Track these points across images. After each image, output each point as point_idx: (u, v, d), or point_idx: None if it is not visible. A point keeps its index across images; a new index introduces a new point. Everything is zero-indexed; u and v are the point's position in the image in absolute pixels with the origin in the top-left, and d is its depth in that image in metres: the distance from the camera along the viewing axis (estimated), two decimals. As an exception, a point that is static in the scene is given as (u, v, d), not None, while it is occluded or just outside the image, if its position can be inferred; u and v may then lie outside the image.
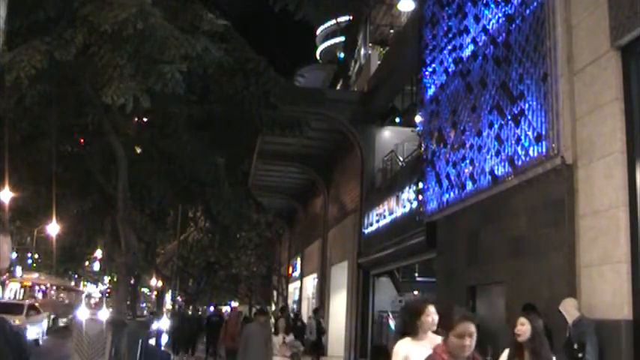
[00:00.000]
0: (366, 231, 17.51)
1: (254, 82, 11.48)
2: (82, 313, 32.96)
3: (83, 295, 44.74)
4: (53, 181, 12.36)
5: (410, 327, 4.31)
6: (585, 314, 6.45)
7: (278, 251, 37.33)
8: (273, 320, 13.34)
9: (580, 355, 6.10)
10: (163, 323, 23.36)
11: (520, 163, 8.12)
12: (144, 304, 64.58)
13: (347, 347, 18.66)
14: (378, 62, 20.48)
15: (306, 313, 27.14)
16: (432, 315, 4.31)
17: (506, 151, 8.51)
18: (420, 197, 12.08)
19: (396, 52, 17.37)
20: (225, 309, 41.07)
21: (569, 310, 6.44)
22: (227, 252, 28.02)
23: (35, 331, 21.23)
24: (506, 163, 8.47)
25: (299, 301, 29.48)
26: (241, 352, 10.14)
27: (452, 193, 10.40)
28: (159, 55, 8.21)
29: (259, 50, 11.85)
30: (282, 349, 9.52)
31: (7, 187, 14.52)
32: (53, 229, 25.98)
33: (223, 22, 9.52)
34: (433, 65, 11.72)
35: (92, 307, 43.21)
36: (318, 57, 56.60)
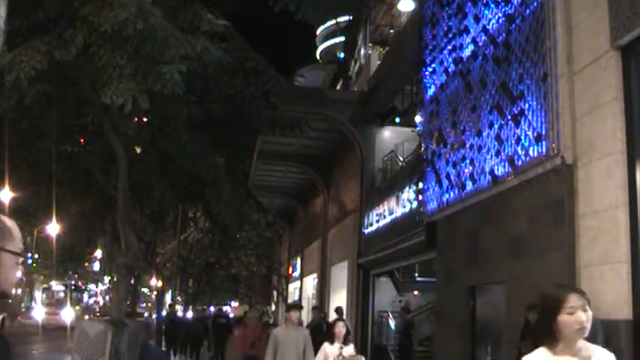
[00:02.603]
0: (366, 231, 17.51)
1: (254, 81, 11.49)
2: (38, 312, 29.46)
3: (41, 289, 38.67)
4: (53, 181, 12.36)
5: (543, 330, 2.64)
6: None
7: (278, 251, 37.33)
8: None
9: None
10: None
11: (520, 163, 8.12)
12: (144, 304, 64.28)
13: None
14: (378, 62, 20.47)
15: (306, 314, 27.14)
16: (578, 311, 2.53)
17: (506, 151, 8.51)
18: (420, 197, 12.08)
19: (396, 52, 17.37)
20: (225, 309, 40.94)
21: None
22: (227, 252, 28.04)
23: None
24: (506, 163, 8.47)
25: (299, 301, 29.47)
26: None
27: (452, 193, 10.40)
28: (159, 56, 8.21)
29: (259, 50, 11.86)
30: None
31: (7, 187, 14.52)
32: (53, 229, 25.97)
33: (223, 22, 9.51)
34: (433, 65, 11.72)
35: (52, 304, 37.51)
36: (318, 57, 56.60)
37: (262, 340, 10.50)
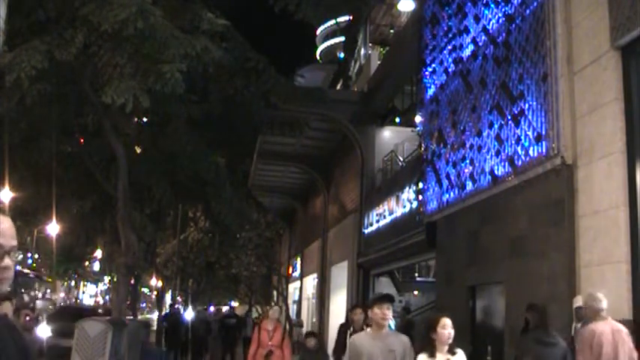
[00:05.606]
0: (366, 231, 17.50)
1: (254, 81, 11.49)
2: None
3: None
4: (53, 181, 12.36)
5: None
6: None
7: (278, 251, 37.33)
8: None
9: None
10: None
11: (520, 163, 8.13)
12: (144, 304, 64.22)
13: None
14: (378, 62, 20.48)
15: (306, 314, 27.14)
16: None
17: (506, 151, 8.51)
18: (420, 197, 12.07)
19: (396, 52, 17.37)
20: (224, 309, 40.81)
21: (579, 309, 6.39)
22: (227, 252, 28.01)
23: None
24: (506, 163, 8.47)
25: (299, 301, 29.47)
26: None
27: (452, 193, 10.40)
28: (159, 55, 8.21)
29: (259, 50, 11.86)
30: None
31: (7, 187, 14.53)
32: (53, 229, 25.96)
33: (223, 21, 9.52)
34: (433, 65, 11.72)
35: None
36: (318, 57, 56.63)
37: (283, 349, 8.95)
